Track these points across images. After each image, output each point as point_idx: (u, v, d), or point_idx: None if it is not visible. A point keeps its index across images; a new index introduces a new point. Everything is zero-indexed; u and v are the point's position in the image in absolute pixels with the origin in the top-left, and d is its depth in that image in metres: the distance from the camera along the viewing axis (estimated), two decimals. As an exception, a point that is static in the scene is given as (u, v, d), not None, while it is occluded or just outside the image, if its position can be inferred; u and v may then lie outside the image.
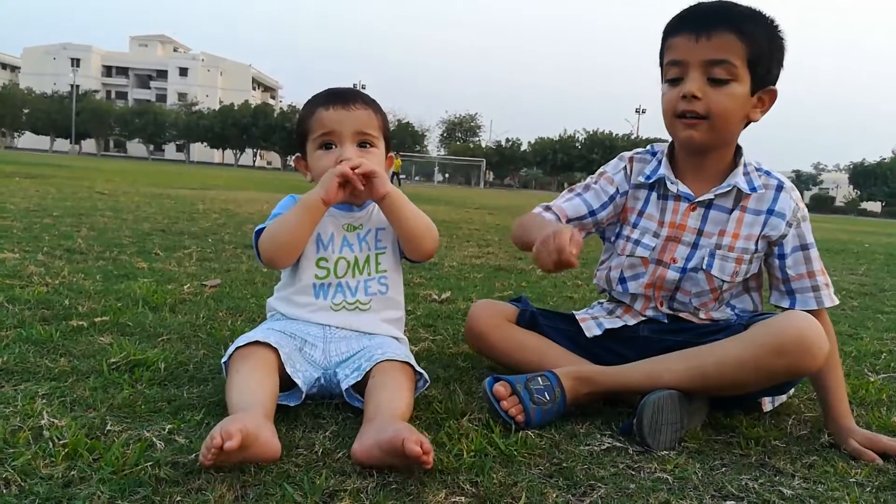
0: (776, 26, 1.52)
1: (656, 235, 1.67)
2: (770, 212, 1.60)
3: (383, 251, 1.61)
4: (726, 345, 1.45)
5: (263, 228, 1.54)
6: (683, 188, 1.65)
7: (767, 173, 1.64)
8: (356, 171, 1.45)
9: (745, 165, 1.63)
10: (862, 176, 69.23)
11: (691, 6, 1.53)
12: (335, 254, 1.57)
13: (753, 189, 1.61)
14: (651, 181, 1.69)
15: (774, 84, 1.55)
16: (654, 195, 1.70)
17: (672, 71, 1.54)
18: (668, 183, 1.66)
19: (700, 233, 1.64)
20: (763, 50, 1.49)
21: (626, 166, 1.75)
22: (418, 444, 1.09)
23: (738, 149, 1.64)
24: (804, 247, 1.61)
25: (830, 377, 1.52)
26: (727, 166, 1.64)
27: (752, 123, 1.59)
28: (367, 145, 1.57)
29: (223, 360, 1.42)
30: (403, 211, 1.54)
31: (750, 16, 1.49)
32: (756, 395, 1.56)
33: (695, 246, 1.64)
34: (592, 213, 1.73)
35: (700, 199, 1.63)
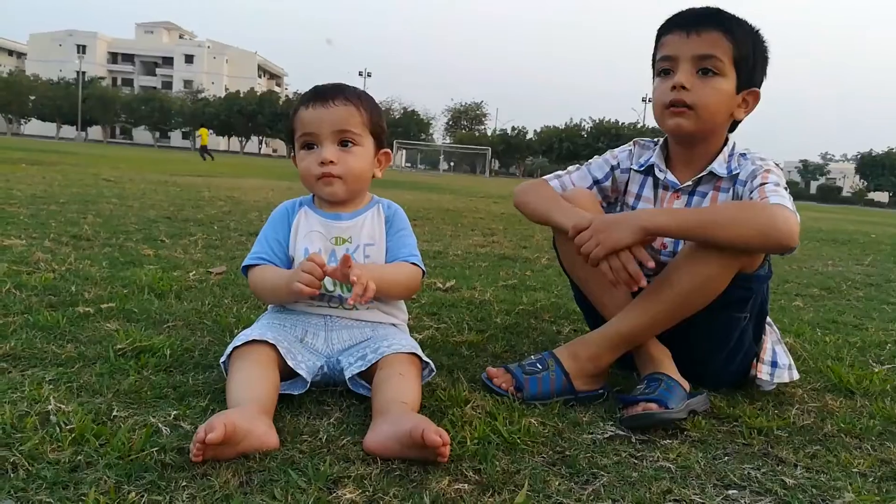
0: (760, 35, 1.66)
1: None
2: (734, 182, 1.67)
3: None
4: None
5: (251, 264, 1.56)
6: (670, 177, 1.76)
7: (743, 155, 1.69)
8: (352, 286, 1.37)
9: (730, 155, 1.70)
10: (869, 166, 68.82)
11: (683, 10, 1.66)
12: None
13: (729, 172, 1.68)
14: (643, 168, 1.82)
15: (758, 87, 1.67)
16: (649, 180, 1.83)
17: (663, 65, 1.66)
18: (657, 171, 1.79)
19: None
20: (747, 52, 1.62)
21: (631, 148, 1.90)
22: (438, 435, 1.10)
23: (727, 143, 1.71)
24: (762, 184, 1.54)
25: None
26: (713, 157, 1.71)
27: (738, 123, 1.71)
28: (349, 144, 1.54)
29: (221, 361, 1.43)
30: (385, 293, 1.53)
31: (736, 20, 1.63)
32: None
33: None
34: (596, 181, 1.86)
35: (682, 186, 1.73)
